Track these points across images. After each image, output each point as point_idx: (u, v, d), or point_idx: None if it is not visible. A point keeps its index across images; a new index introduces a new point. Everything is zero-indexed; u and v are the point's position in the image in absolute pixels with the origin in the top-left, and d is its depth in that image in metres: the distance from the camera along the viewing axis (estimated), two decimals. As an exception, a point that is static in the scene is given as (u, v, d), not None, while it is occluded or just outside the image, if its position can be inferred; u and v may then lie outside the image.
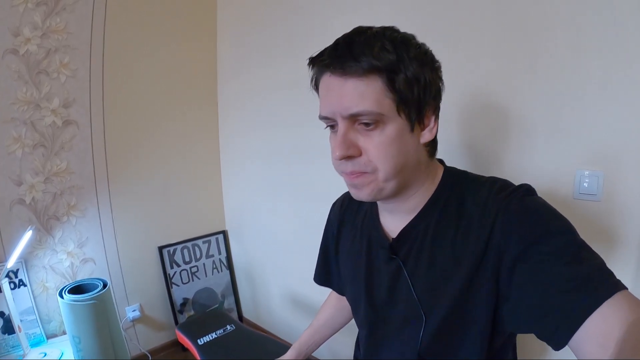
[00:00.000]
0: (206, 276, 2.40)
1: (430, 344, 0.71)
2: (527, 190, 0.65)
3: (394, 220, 0.77)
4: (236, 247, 2.53)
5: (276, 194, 2.17)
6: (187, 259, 2.34)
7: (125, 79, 2.03)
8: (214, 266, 2.44)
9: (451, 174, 0.75)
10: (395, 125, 0.63)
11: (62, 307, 1.67)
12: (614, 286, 0.52)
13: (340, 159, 0.65)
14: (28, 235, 1.60)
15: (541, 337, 0.56)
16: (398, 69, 0.60)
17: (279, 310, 2.27)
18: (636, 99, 0.98)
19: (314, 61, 0.66)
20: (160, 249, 2.23)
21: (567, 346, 0.53)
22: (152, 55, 2.12)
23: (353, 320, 0.98)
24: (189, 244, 2.35)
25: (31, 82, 1.72)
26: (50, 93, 1.78)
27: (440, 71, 0.67)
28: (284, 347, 1.43)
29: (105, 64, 1.94)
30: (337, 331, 1.11)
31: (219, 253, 2.48)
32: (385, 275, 0.77)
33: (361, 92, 0.61)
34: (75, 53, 1.83)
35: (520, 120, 1.20)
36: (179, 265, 2.30)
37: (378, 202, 0.80)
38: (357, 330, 0.93)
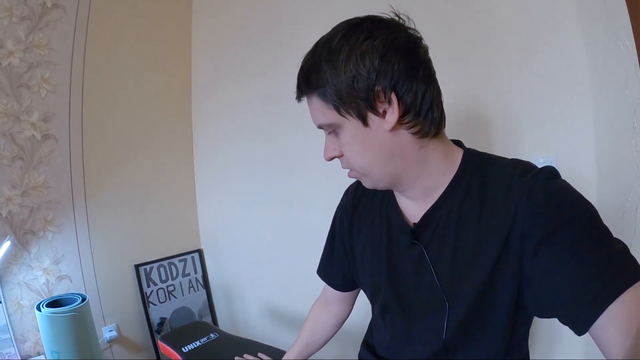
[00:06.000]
0: (183, 295, 2.37)
1: (456, 332, 0.70)
2: (550, 173, 0.64)
3: (413, 205, 0.76)
4: (212, 265, 2.51)
5: (250, 206, 2.20)
6: (164, 278, 2.30)
7: (104, 96, 2.05)
8: (191, 285, 2.41)
9: (472, 156, 0.73)
10: (348, 127, 0.68)
11: (41, 321, 1.61)
12: (635, 274, 0.53)
13: (327, 160, 0.75)
14: (6, 245, 1.56)
15: (563, 322, 0.58)
16: (323, 85, 0.66)
17: (258, 325, 2.25)
18: (576, 88, 1.13)
19: None
20: (137, 267, 2.19)
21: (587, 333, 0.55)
22: (129, 75, 2.16)
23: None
24: (165, 263, 2.32)
25: (12, 95, 1.72)
26: (30, 106, 1.78)
27: (372, 55, 0.63)
28: (271, 349, 1.44)
29: (85, 81, 1.96)
30: (321, 347, 1.12)
31: (195, 272, 2.45)
32: (408, 260, 0.76)
33: (313, 109, 0.72)
34: (56, 69, 1.86)
35: (477, 116, 1.33)
36: (155, 284, 2.26)
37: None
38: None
